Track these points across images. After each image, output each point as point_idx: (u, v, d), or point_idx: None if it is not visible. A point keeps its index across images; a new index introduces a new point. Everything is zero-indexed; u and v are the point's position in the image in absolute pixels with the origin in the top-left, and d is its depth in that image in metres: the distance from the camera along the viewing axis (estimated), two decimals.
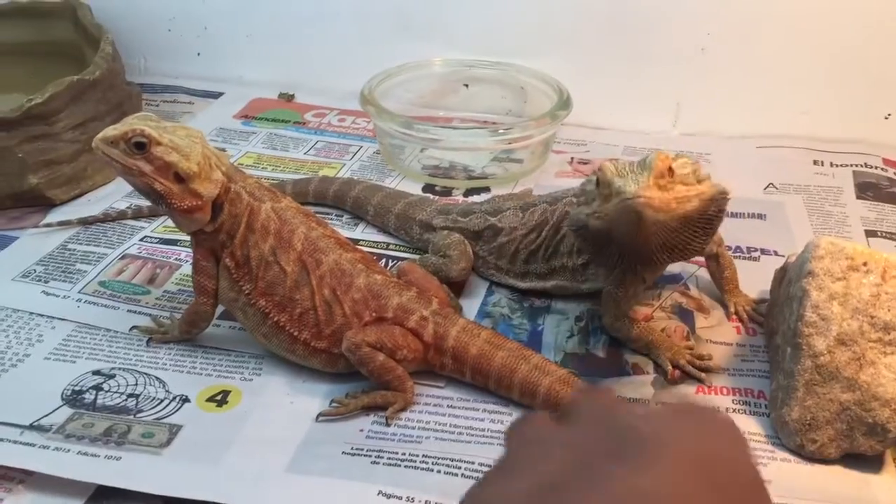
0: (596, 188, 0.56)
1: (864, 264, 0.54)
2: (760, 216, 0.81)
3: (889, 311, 0.53)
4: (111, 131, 0.58)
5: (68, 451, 0.53)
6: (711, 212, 0.57)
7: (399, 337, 0.59)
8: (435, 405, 0.59)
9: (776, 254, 0.74)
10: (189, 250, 0.74)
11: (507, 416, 0.58)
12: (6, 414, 0.56)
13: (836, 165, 0.90)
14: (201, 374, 0.61)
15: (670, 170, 0.54)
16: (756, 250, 0.75)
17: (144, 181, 0.58)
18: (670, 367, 0.60)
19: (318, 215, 0.65)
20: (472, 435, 0.56)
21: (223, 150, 0.91)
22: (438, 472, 0.53)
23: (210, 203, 0.59)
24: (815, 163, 0.90)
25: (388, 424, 0.57)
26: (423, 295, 0.61)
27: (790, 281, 0.59)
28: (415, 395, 0.59)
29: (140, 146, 0.57)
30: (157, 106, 1.03)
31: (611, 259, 0.61)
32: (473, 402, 0.59)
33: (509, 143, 0.88)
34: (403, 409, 0.58)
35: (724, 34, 0.94)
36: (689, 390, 0.59)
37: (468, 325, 0.60)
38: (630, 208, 0.53)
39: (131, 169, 0.58)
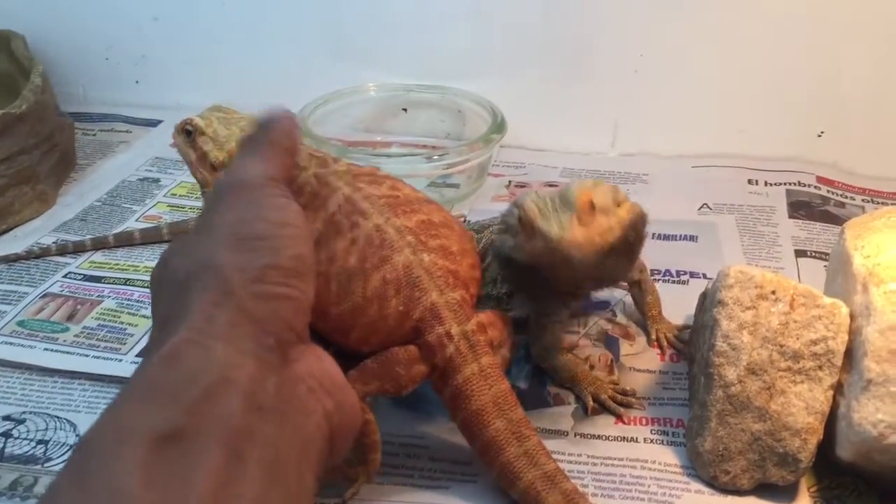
0: (518, 223, 0.55)
1: (773, 292, 0.54)
2: (692, 238, 0.81)
3: (798, 339, 0.53)
4: (182, 119, 0.59)
5: None
6: (631, 238, 0.56)
7: (402, 373, 0.50)
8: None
9: (705, 276, 0.74)
10: (112, 286, 0.73)
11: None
12: None
13: (771, 184, 0.90)
14: None
15: (591, 203, 0.54)
16: (685, 273, 0.75)
17: (191, 170, 0.59)
18: (591, 402, 0.60)
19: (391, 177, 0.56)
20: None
21: (157, 180, 0.91)
22: None
23: None
24: (749, 182, 0.91)
25: None
26: (466, 305, 0.52)
27: (706, 309, 0.59)
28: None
29: (188, 134, 0.58)
30: (94, 135, 1.02)
31: (535, 290, 0.60)
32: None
33: (446, 169, 0.87)
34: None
35: (658, 55, 0.94)
36: (607, 421, 0.59)
37: (489, 371, 0.50)
38: (556, 252, 0.53)
39: (184, 156, 0.59)
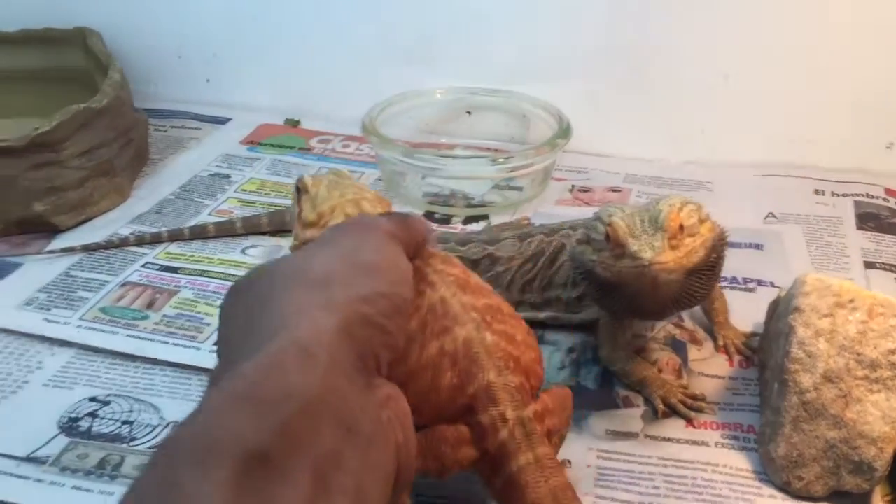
0: (605, 240, 0.56)
1: (851, 301, 0.54)
2: (758, 246, 0.81)
3: (875, 348, 0.53)
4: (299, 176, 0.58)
5: (63, 485, 0.54)
6: (712, 259, 0.57)
7: (448, 453, 0.46)
8: None
9: (773, 285, 0.74)
10: (188, 277, 0.76)
11: None
12: (4, 444, 0.57)
13: (838, 195, 0.89)
14: (195, 400, 0.61)
15: (681, 226, 0.54)
16: (752, 281, 0.75)
17: (293, 225, 0.57)
18: (661, 406, 0.60)
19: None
20: None
21: (227, 175, 0.94)
22: None
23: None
24: (816, 192, 0.90)
25: None
26: (524, 392, 0.48)
27: (779, 316, 0.59)
28: None
29: (298, 191, 0.56)
30: (166, 131, 1.05)
31: (616, 305, 0.60)
32: None
33: (510, 172, 0.88)
34: None
35: (723, 63, 0.94)
36: (677, 424, 0.60)
37: (545, 462, 0.46)
38: (647, 275, 0.53)
39: (292, 211, 0.57)
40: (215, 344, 0.42)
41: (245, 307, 0.39)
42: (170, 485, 0.29)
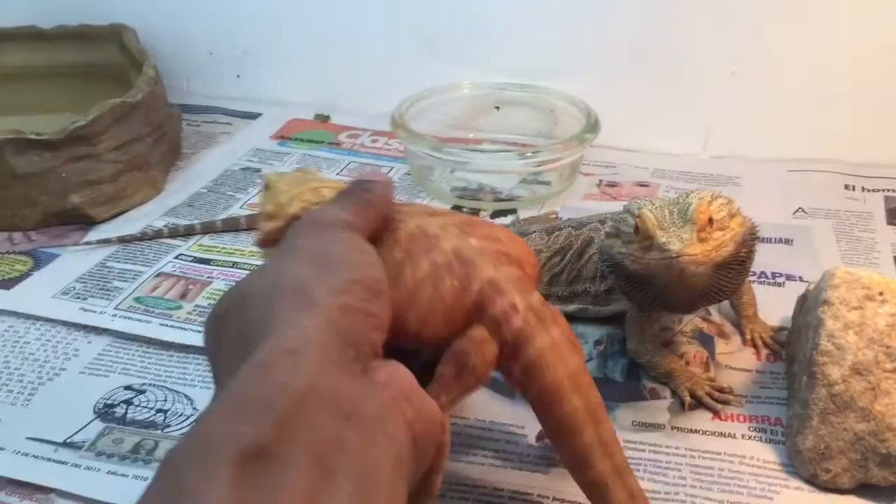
0: (634, 233, 0.56)
1: (881, 294, 0.54)
2: (788, 241, 0.80)
3: None
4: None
5: (98, 470, 0.56)
6: (742, 254, 0.57)
7: (477, 361, 0.46)
8: None
9: (801, 280, 0.74)
10: (220, 268, 0.77)
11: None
12: (42, 430, 0.59)
13: (868, 190, 0.89)
14: None
15: (710, 219, 0.54)
16: (781, 276, 0.75)
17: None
18: (688, 398, 0.60)
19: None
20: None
21: (258, 170, 0.95)
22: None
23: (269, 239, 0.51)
24: (846, 187, 0.90)
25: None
26: (525, 281, 0.48)
27: (808, 309, 0.59)
28: None
29: (266, 187, 0.54)
30: (198, 126, 1.06)
31: (645, 298, 0.60)
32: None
33: (538, 166, 0.89)
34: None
35: (756, 57, 0.94)
36: (704, 416, 0.60)
37: (561, 344, 0.46)
38: (674, 266, 0.54)
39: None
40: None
41: (230, 341, 0.39)
42: (176, 490, 0.30)
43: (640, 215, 0.55)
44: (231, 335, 0.39)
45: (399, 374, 0.39)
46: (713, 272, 0.56)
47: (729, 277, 0.58)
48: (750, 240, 0.58)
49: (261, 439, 0.31)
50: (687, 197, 0.56)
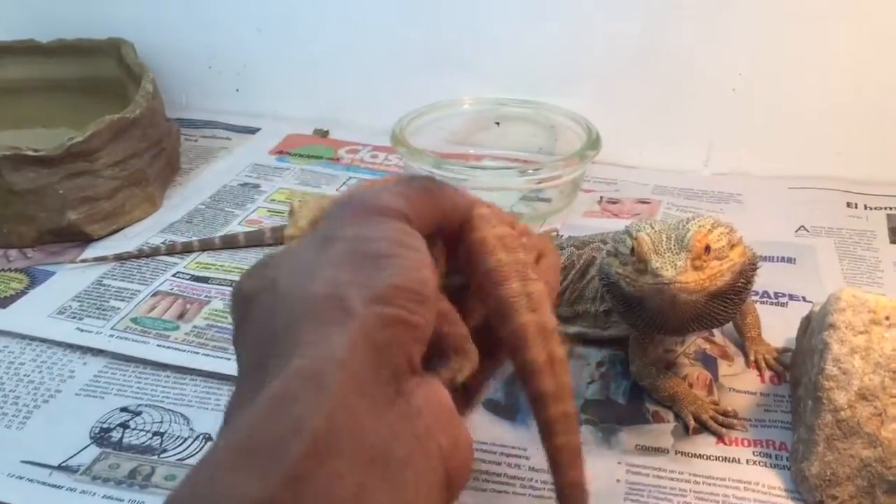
0: (630, 254, 0.56)
1: (887, 318, 0.53)
2: (790, 260, 0.80)
3: None
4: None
5: (94, 494, 0.55)
6: (739, 284, 0.57)
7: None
8: None
9: (804, 300, 0.73)
10: (218, 287, 0.76)
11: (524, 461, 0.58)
12: (37, 453, 0.58)
13: (870, 208, 0.88)
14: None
15: (707, 248, 0.54)
16: (784, 295, 0.74)
17: None
18: (692, 422, 0.60)
19: None
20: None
21: (257, 185, 0.94)
22: None
23: None
24: (848, 205, 0.89)
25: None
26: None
27: (813, 332, 0.58)
28: None
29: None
30: (196, 141, 1.06)
31: (638, 320, 0.60)
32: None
33: (538, 183, 0.88)
34: None
35: (757, 74, 0.93)
36: (708, 440, 0.59)
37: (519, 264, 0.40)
38: (666, 292, 0.53)
39: None
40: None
41: (253, 330, 0.35)
42: None
43: (636, 237, 0.55)
44: (255, 324, 0.35)
45: (436, 398, 0.35)
46: (707, 300, 0.55)
47: (724, 306, 0.57)
48: (749, 270, 0.58)
49: (269, 495, 0.28)
50: (687, 223, 0.56)
